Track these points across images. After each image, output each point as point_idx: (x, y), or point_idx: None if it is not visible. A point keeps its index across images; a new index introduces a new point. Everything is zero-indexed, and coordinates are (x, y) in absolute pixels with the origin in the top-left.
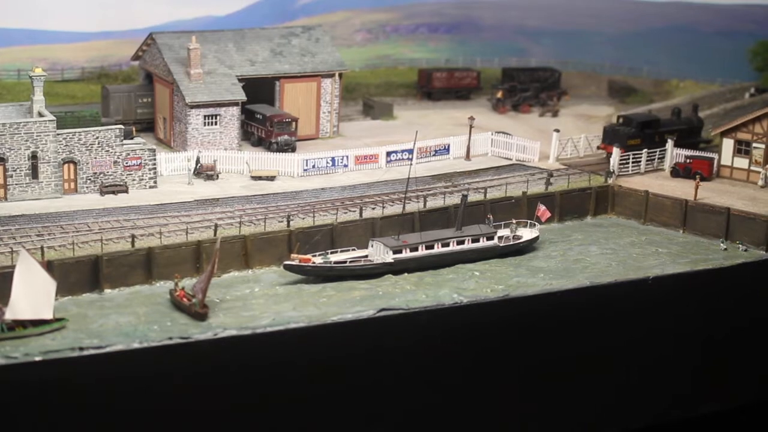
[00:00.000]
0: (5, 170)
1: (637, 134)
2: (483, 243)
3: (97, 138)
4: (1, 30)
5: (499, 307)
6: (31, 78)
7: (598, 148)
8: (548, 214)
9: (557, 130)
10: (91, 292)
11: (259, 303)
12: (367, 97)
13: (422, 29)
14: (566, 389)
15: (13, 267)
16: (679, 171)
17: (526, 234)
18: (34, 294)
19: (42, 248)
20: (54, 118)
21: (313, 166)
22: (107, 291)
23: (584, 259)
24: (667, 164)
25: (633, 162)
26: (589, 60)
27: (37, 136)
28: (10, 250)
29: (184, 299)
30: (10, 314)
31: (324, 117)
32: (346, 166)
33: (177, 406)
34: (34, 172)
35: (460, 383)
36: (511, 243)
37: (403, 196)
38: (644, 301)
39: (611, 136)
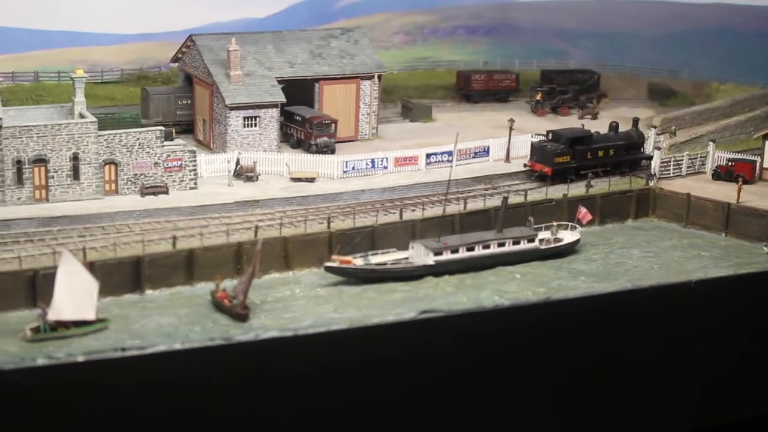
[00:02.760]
0: (47, 171)
1: (566, 151)
2: (524, 245)
3: (138, 139)
4: (42, 32)
5: (541, 310)
6: (72, 80)
7: (525, 165)
8: (589, 217)
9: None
10: (133, 293)
11: (300, 304)
12: (406, 99)
13: (460, 31)
14: (605, 392)
15: (55, 267)
16: (721, 174)
17: (567, 237)
18: (76, 295)
19: (84, 249)
20: (95, 119)
21: (353, 168)
22: (148, 292)
23: (626, 263)
24: (709, 167)
25: (674, 164)
26: (628, 62)
27: (78, 137)
28: (52, 250)
29: (225, 300)
30: (53, 315)
31: (363, 119)
32: (385, 167)
33: (218, 408)
34: (76, 174)
35: (500, 385)
36: (552, 245)
37: (444, 198)
38: (686, 305)
39: (538, 153)
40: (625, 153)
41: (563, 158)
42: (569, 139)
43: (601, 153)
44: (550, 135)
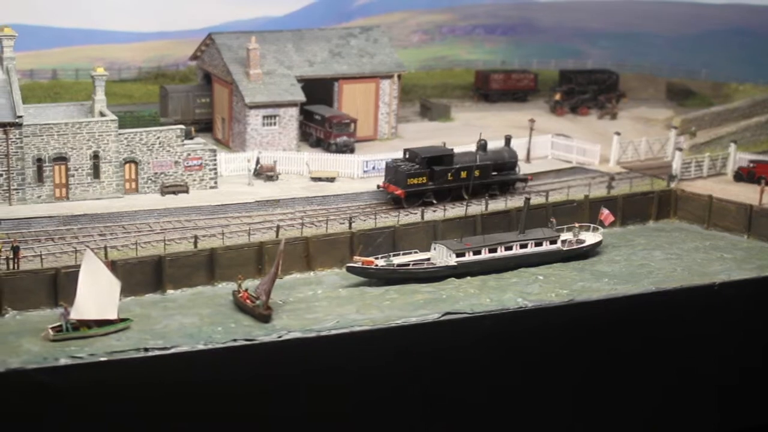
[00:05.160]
0: (67, 170)
1: (422, 172)
2: (546, 247)
3: (158, 138)
4: (59, 30)
5: (565, 312)
6: (92, 77)
7: (378, 187)
8: (611, 218)
9: (618, 133)
10: (154, 292)
11: (323, 305)
12: (424, 98)
13: (479, 30)
14: (628, 393)
15: (77, 266)
16: (743, 175)
17: (589, 238)
18: (98, 294)
19: (105, 248)
20: (116, 117)
21: (373, 168)
22: (170, 292)
23: (648, 264)
24: (730, 168)
25: (695, 166)
26: (647, 62)
27: (98, 135)
28: (73, 249)
29: (248, 301)
30: (75, 314)
31: (382, 118)
32: None
33: (241, 408)
34: (96, 172)
35: (523, 385)
36: (575, 247)
37: (465, 198)
38: (710, 307)
39: (391, 173)
40: (493, 174)
41: (418, 179)
42: (425, 159)
43: (463, 174)
44: (407, 154)
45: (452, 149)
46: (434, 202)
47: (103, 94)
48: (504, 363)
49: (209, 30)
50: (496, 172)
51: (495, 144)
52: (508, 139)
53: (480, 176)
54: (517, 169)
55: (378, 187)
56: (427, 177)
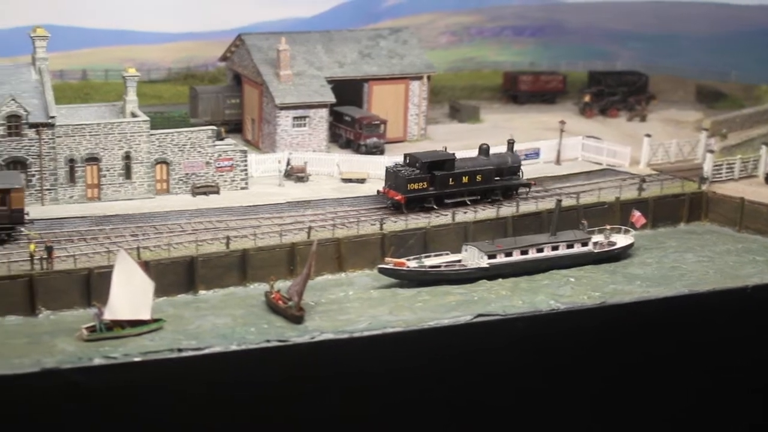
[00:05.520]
0: (99, 170)
1: (422, 177)
2: (578, 249)
3: (190, 139)
4: (89, 30)
5: (597, 315)
6: (124, 78)
7: (378, 192)
8: (643, 221)
9: (648, 135)
10: (186, 293)
11: (354, 306)
12: (453, 99)
13: (507, 32)
14: (661, 397)
15: (110, 267)
16: None
17: (621, 240)
18: (132, 294)
19: (138, 249)
20: (148, 118)
21: None
22: (202, 292)
23: (680, 267)
24: (761, 170)
25: (727, 168)
26: (676, 64)
27: (130, 136)
28: (106, 250)
29: (280, 302)
30: (109, 314)
31: (412, 119)
32: None
33: (274, 408)
34: (128, 173)
35: (553, 389)
36: (606, 249)
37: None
38: (743, 311)
39: (392, 178)
40: (496, 179)
41: (418, 184)
42: (426, 164)
43: (465, 179)
44: (407, 158)
45: (453, 154)
46: (435, 207)
47: (134, 95)
48: (535, 365)
49: (238, 31)
50: (498, 177)
51: (520, 146)
52: (511, 144)
53: (482, 181)
54: (520, 173)
55: (378, 192)
56: (427, 182)
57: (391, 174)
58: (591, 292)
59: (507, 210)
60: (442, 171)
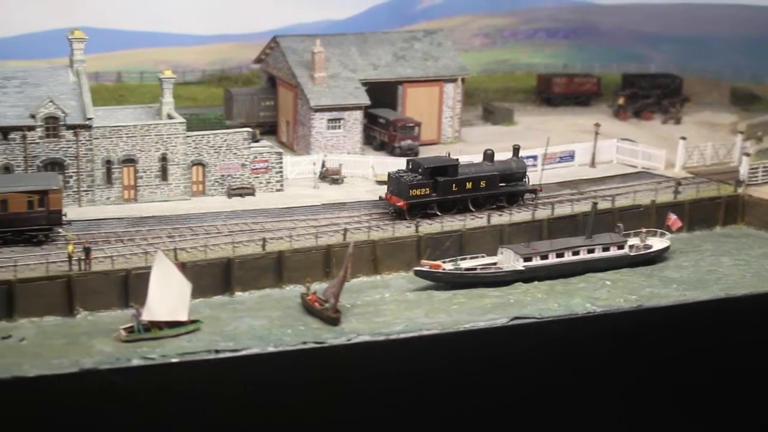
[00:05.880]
0: (136, 171)
1: (425, 183)
2: (613, 252)
3: (226, 141)
4: (125, 33)
5: (633, 318)
6: (160, 80)
7: (381, 198)
8: (679, 224)
9: (684, 138)
10: (222, 294)
11: (390, 309)
12: (486, 102)
13: (540, 34)
14: (698, 397)
15: (147, 268)
16: None
17: (657, 243)
18: (170, 296)
19: (175, 250)
20: (184, 120)
21: None
22: (238, 294)
23: (717, 270)
24: None
25: (763, 171)
26: (710, 66)
27: (167, 138)
28: (143, 251)
29: (316, 304)
30: (146, 315)
31: (446, 122)
32: None
33: (311, 410)
34: (164, 174)
35: (589, 390)
36: (642, 252)
37: (533, 202)
38: None
39: (394, 184)
40: (500, 185)
41: (421, 190)
42: (429, 169)
43: (469, 185)
44: (410, 164)
45: (457, 159)
46: (438, 213)
47: (170, 97)
48: (570, 367)
49: (272, 33)
50: (503, 183)
51: (555, 149)
52: (516, 149)
53: (486, 187)
54: (525, 180)
55: (380, 198)
56: (430, 188)
57: (394, 180)
58: (627, 295)
59: (543, 213)
60: (445, 177)
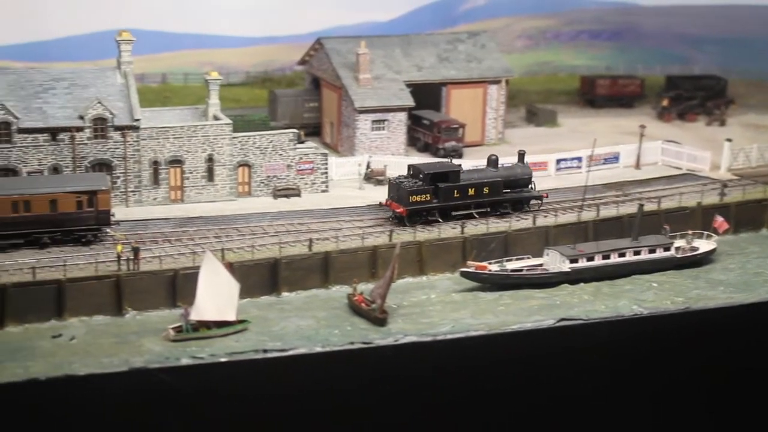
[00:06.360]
0: (182, 172)
1: (425, 189)
2: (660, 254)
3: (271, 142)
4: (169, 34)
5: (681, 320)
6: (207, 82)
7: (381, 204)
8: (726, 226)
9: (729, 140)
10: (269, 294)
11: (437, 309)
12: (530, 103)
13: (583, 36)
14: (747, 405)
15: (195, 268)
16: None
17: (703, 245)
18: (218, 295)
19: (222, 250)
20: (230, 121)
21: None
22: (284, 294)
23: (764, 273)
24: None
25: None
26: (754, 68)
27: (213, 139)
28: (190, 251)
29: (363, 304)
30: (195, 315)
31: (489, 123)
32: None
33: (358, 409)
34: (210, 175)
35: (636, 393)
36: (688, 254)
37: (580, 204)
38: None
39: (394, 190)
40: (504, 191)
41: (421, 197)
42: (430, 175)
43: (471, 191)
44: (411, 170)
45: (460, 165)
46: (440, 220)
47: (217, 98)
48: (618, 368)
49: (315, 35)
50: (508, 190)
51: (600, 150)
52: (521, 155)
53: (489, 193)
54: (531, 186)
55: (380, 204)
56: (431, 194)
57: (394, 186)
58: (674, 297)
59: (587, 214)
60: (446, 183)
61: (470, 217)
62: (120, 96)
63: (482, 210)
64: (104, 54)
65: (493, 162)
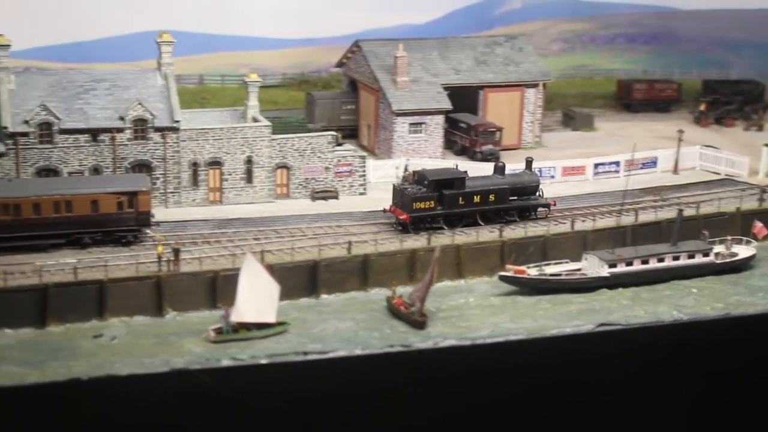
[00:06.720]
0: (221, 174)
1: (430, 195)
2: (699, 259)
3: (310, 144)
4: (206, 36)
5: (721, 326)
6: (246, 83)
7: (384, 211)
8: (765, 231)
9: (767, 145)
10: (308, 296)
11: (475, 313)
12: (566, 107)
13: (620, 39)
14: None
15: (235, 270)
16: None
17: (743, 251)
18: (258, 297)
19: (262, 252)
20: (269, 123)
21: None
22: (323, 296)
23: None
24: None
25: None
26: None
27: (252, 140)
28: (230, 253)
29: (402, 307)
30: (235, 316)
31: (526, 127)
32: (552, 177)
33: (397, 414)
34: (249, 177)
35: (673, 399)
36: (728, 260)
37: (619, 208)
38: None
39: (398, 197)
40: (511, 199)
41: (425, 203)
42: (434, 182)
43: (477, 198)
44: (416, 176)
45: (465, 172)
46: (444, 228)
47: (256, 100)
48: (656, 376)
49: (351, 37)
50: (515, 197)
51: (638, 155)
52: (529, 162)
53: (495, 201)
54: (538, 193)
55: (384, 211)
56: (435, 201)
57: (398, 192)
58: (714, 303)
59: (625, 219)
60: (451, 190)
61: (475, 224)
62: (160, 97)
63: (487, 218)
64: (141, 55)
65: (500, 169)
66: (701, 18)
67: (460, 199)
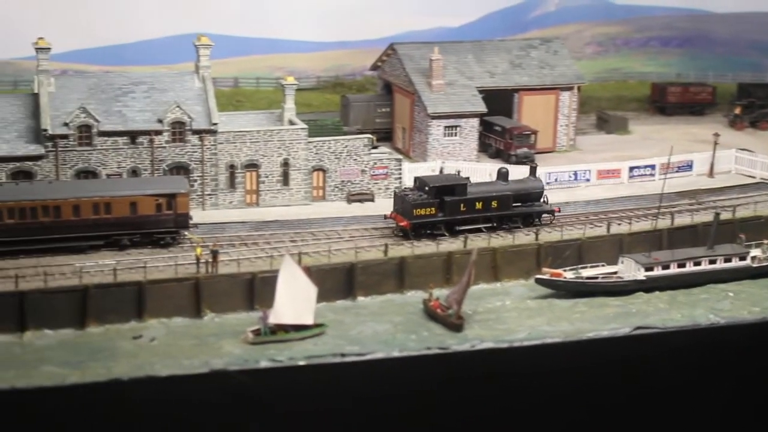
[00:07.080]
0: (258, 176)
1: (430, 202)
2: (735, 263)
3: (346, 147)
4: (242, 39)
5: (758, 330)
6: (282, 86)
7: (386, 217)
8: None
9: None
10: (345, 299)
11: (512, 316)
12: (601, 110)
13: (653, 42)
14: None
15: (272, 272)
16: None
17: None
18: (296, 299)
19: (299, 254)
20: (306, 126)
21: (555, 180)
22: (360, 298)
23: None
24: None
25: None
26: None
27: (289, 143)
28: (267, 255)
29: (439, 310)
30: (273, 318)
31: (561, 130)
32: (588, 180)
33: (433, 416)
34: (285, 179)
35: (708, 404)
36: (765, 264)
37: (655, 212)
38: None
39: (399, 203)
40: (514, 205)
41: (426, 210)
42: (435, 188)
43: (479, 205)
44: (417, 182)
45: (468, 178)
46: (445, 234)
47: (292, 103)
48: (692, 379)
49: (386, 40)
50: (519, 204)
51: (674, 158)
52: (533, 169)
53: (498, 207)
54: (543, 200)
55: (385, 217)
56: (436, 208)
57: (398, 198)
58: (751, 307)
59: (662, 222)
60: (452, 196)
61: (478, 231)
62: (198, 100)
63: (489, 225)
64: (179, 58)
65: (503, 175)
66: (734, 21)
67: (462, 205)
